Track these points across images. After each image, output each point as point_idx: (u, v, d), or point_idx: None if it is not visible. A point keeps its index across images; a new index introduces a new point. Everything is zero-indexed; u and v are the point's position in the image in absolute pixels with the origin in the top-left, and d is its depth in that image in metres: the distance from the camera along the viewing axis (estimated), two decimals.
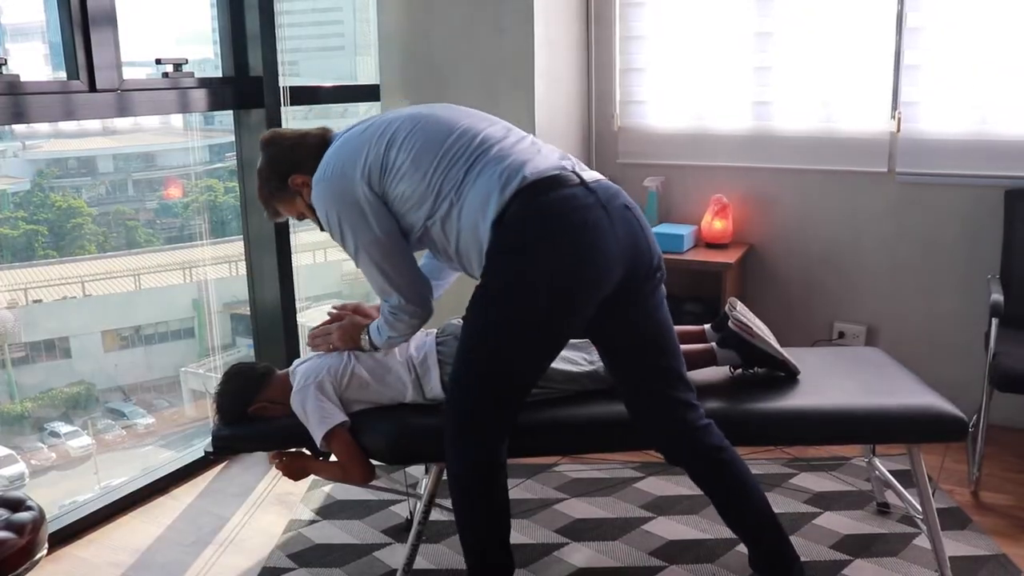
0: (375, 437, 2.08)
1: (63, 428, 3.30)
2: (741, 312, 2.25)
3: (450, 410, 1.93)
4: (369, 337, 2.13)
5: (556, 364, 2.15)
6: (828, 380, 2.28)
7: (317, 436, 2.06)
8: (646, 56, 3.53)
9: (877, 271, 3.31)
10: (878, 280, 3.31)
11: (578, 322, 1.87)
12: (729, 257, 3.26)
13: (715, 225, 3.37)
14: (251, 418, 2.21)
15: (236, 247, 3.48)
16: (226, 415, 2.23)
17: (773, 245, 3.46)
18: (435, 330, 2.26)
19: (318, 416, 2.07)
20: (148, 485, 2.83)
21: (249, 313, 3.37)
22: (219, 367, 3.65)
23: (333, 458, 2.13)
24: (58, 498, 3.06)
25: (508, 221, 1.79)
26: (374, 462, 2.11)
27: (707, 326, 2.36)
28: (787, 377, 2.28)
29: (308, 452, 2.20)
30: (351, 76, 4.10)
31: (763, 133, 3.38)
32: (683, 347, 2.19)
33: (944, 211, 3.14)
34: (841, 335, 3.40)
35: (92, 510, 2.67)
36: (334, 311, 2.28)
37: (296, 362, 2.26)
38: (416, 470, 2.80)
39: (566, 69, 3.45)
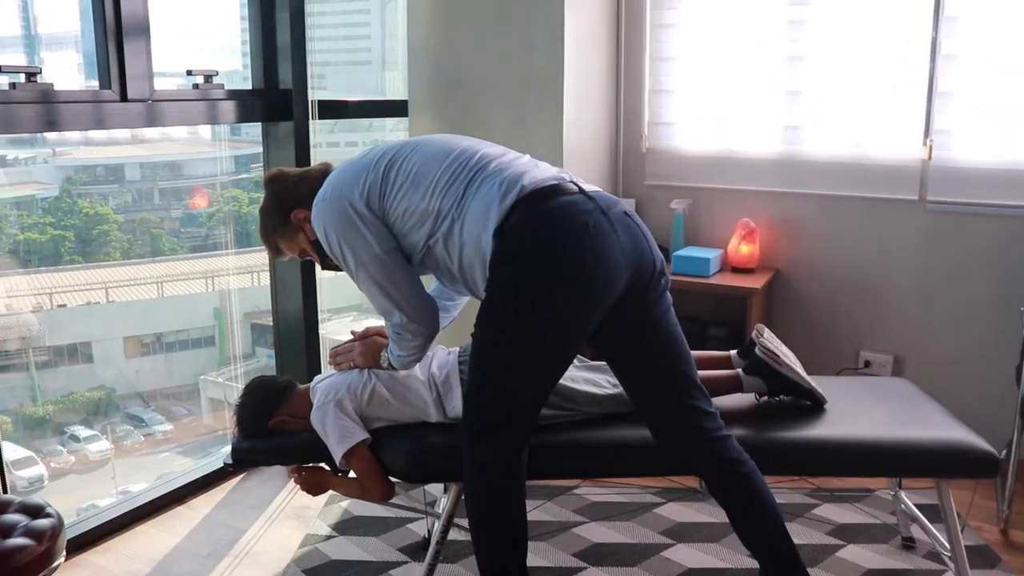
0: (394, 455, 2.07)
1: (83, 432, 3.33)
2: (768, 339, 2.22)
3: (465, 427, 1.91)
4: (388, 357, 2.14)
5: (580, 386, 2.14)
6: (855, 410, 2.24)
7: (337, 455, 2.05)
8: (676, 78, 3.51)
9: (905, 300, 3.26)
10: (906, 309, 3.26)
11: (587, 329, 1.84)
12: (755, 282, 3.23)
13: (742, 249, 3.34)
14: (271, 431, 2.20)
15: (258, 257, 3.52)
16: (246, 427, 2.22)
17: (800, 271, 3.42)
18: (458, 348, 2.24)
19: (338, 434, 2.06)
20: (166, 494, 2.83)
21: (270, 323, 3.38)
22: (238, 376, 3.67)
23: (352, 474, 2.12)
24: (76, 502, 3.09)
25: (509, 230, 1.79)
26: (393, 479, 2.10)
27: (733, 352, 2.33)
28: (813, 406, 2.25)
29: (327, 467, 2.19)
30: (379, 91, 4.12)
31: (792, 158, 3.35)
32: (709, 373, 2.18)
33: (976, 241, 3.10)
34: (867, 364, 3.35)
35: (110, 517, 2.67)
36: (356, 331, 2.28)
37: (317, 378, 2.26)
38: (435, 487, 2.78)
39: (595, 89, 3.44)
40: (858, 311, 3.35)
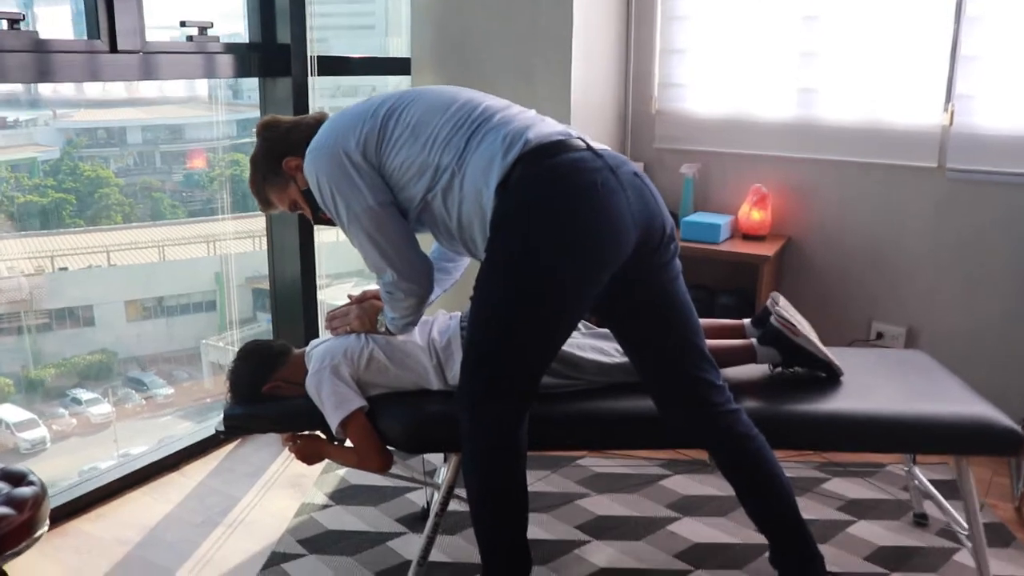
0: (392, 423, 1.99)
1: (85, 395, 3.31)
2: (784, 308, 2.13)
3: (462, 394, 1.82)
4: (384, 320, 2.05)
5: (587, 354, 2.05)
6: (872, 383, 2.16)
7: (333, 422, 1.97)
8: (687, 38, 3.39)
9: (920, 271, 3.16)
10: (921, 280, 3.17)
11: (591, 293, 1.74)
12: (767, 249, 3.13)
13: (753, 216, 3.24)
14: (265, 397, 2.12)
15: (260, 222, 3.46)
16: (239, 393, 2.15)
17: (812, 239, 3.32)
18: (459, 313, 2.16)
19: (333, 401, 1.98)
20: (159, 461, 2.76)
21: (267, 288, 3.30)
22: (239, 341, 3.63)
23: (349, 443, 2.04)
24: (78, 464, 3.09)
25: (512, 186, 1.70)
26: (391, 449, 2.02)
27: (746, 321, 2.24)
28: (829, 378, 2.17)
29: (323, 435, 2.11)
30: (382, 54, 4.03)
31: (807, 122, 3.23)
32: (721, 342, 2.10)
33: (996, 210, 2.99)
34: (879, 336, 3.26)
35: (101, 484, 2.60)
36: (354, 295, 2.19)
37: (312, 343, 2.17)
38: (435, 457, 2.71)
39: (604, 48, 3.32)
40: (871, 281, 3.26)
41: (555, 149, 1.71)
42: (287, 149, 1.95)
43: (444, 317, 2.16)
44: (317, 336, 3.16)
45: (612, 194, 1.69)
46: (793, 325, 2.08)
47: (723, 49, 3.33)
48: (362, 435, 1.98)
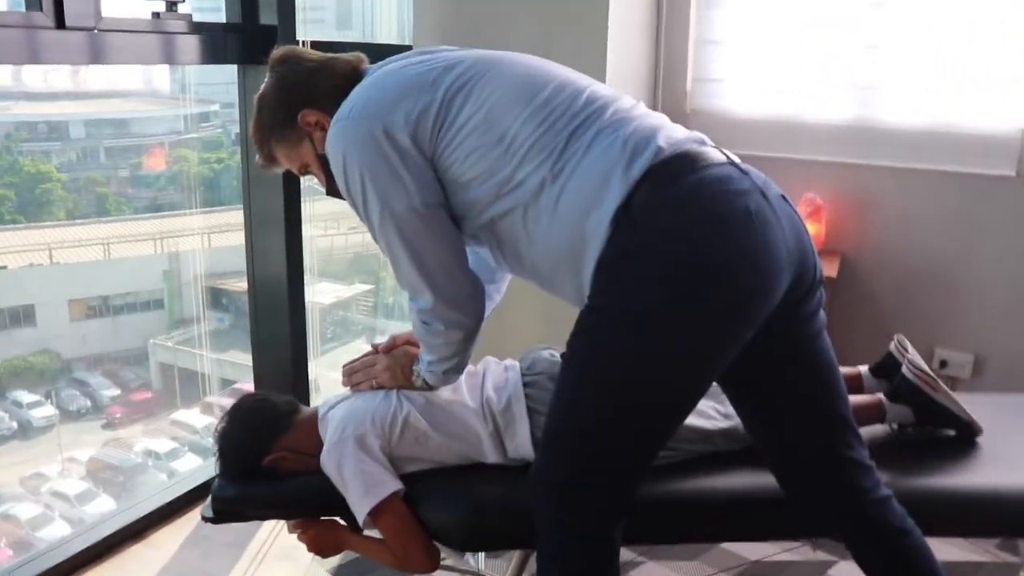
0: (440, 513, 1.55)
1: (26, 397, 3.15)
2: (914, 355, 1.74)
3: (545, 481, 1.39)
4: (420, 371, 1.60)
5: (687, 419, 1.62)
6: (1016, 445, 1.77)
7: (360, 512, 1.52)
8: (727, 26, 2.98)
9: (991, 291, 2.81)
10: (991, 302, 2.82)
11: (733, 353, 1.33)
12: (829, 269, 2.75)
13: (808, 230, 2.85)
14: (265, 472, 1.65)
15: (210, 219, 3.37)
16: (231, 465, 1.67)
17: (868, 255, 2.95)
18: (517, 363, 1.71)
19: (361, 484, 1.53)
20: (121, 529, 2.28)
21: (222, 287, 3.25)
22: (187, 340, 3.51)
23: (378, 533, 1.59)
24: (20, 471, 2.96)
25: (638, 212, 1.27)
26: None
27: (864, 369, 1.84)
28: (961, 437, 1.77)
29: (343, 522, 1.65)
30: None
31: (866, 124, 2.85)
32: None
33: None
34: (944, 364, 2.90)
35: (49, 564, 2.10)
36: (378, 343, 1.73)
37: (327, 402, 1.71)
38: None
39: (632, 37, 2.90)
40: (934, 303, 2.89)
41: (695, 162, 1.29)
42: (306, 98, 1.48)
43: (497, 367, 1.71)
44: (304, 345, 2.74)
45: (767, 226, 1.27)
46: (933, 379, 1.69)
47: (767, 40, 2.93)
48: (400, 528, 1.53)
